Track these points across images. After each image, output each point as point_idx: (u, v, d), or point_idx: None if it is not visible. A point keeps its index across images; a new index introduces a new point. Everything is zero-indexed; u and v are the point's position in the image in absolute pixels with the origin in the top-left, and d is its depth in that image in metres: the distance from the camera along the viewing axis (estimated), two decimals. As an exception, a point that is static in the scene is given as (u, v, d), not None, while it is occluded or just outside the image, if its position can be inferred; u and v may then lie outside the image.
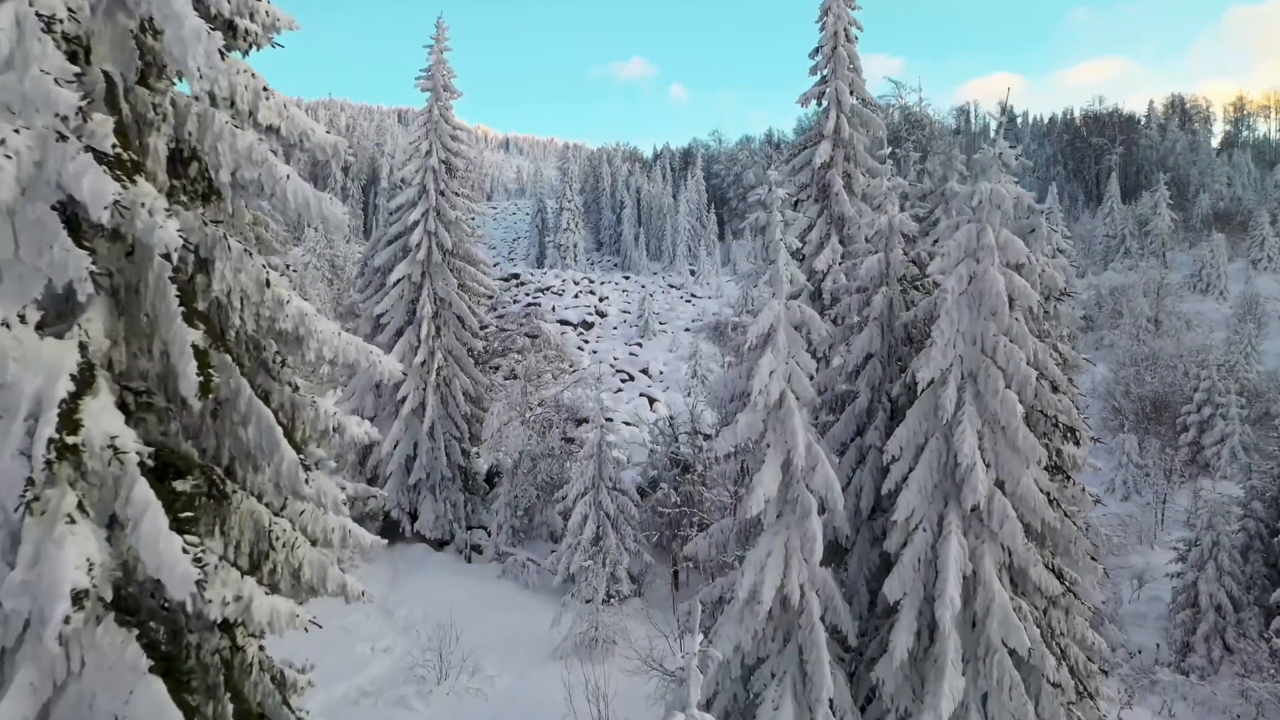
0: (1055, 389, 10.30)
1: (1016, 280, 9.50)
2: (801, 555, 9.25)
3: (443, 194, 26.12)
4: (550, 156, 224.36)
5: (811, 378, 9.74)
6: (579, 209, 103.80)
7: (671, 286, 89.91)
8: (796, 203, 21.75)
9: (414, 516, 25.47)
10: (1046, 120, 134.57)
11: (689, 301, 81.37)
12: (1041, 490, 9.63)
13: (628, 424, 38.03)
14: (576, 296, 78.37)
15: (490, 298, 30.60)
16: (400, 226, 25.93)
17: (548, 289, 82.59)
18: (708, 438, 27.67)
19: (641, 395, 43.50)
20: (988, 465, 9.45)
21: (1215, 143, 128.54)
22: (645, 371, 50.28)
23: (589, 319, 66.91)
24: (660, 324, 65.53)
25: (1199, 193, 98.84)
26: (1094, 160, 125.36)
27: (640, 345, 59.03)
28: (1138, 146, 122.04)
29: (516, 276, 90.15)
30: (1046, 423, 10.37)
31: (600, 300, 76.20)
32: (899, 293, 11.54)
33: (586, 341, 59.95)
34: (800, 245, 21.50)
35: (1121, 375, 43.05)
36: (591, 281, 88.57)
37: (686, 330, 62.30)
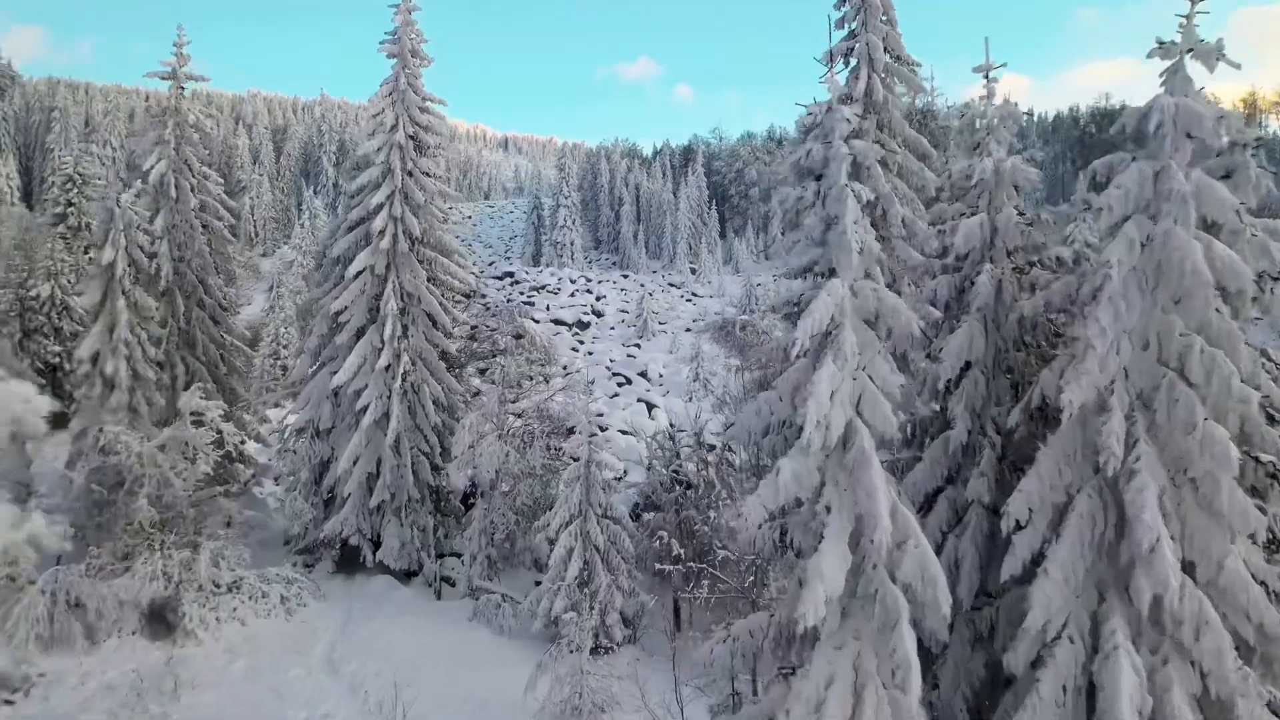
0: (1272, 420, 6.94)
1: (1218, 249, 6.21)
2: (879, 681, 5.94)
3: (410, 174, 22.79)
4: (550, 156, 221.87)
5: (894, 400, 6.45)
6: (576, 206, 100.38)
7: (671, 285, 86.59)
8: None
9: (376, 544, 22.13)
10: (1052, 118, 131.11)
11: (690, 301, 78.02)
12: (1256, 579, 6.35)
13: (624, 433, 34.72)
14: (573, 295, 75.07)
15: (470, 296, 27.35)
16: (362, 211, 22.58)
17: (543, 287, 79.30)
18: (711, 449, 24.37)
19: (640, 400, 40.16)
20: (1172, 538, 6.15)
21: (1225, 140, 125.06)
22: (644, 374, 46.93)
23: (585, 319, 63.58)
24: (660, 324, 62.17)
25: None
26: (1103, 157, 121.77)
27: (639, 346, 55.67)
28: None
29: (511, 275, 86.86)
30: (1259, 473, 7.00)
31: (597, 299, 72.87)
32: (1010, 272, 8.18)
33: (582, 342, 56.62)
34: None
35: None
36: (589, 280, 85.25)
37: (688, 330, 58.93)
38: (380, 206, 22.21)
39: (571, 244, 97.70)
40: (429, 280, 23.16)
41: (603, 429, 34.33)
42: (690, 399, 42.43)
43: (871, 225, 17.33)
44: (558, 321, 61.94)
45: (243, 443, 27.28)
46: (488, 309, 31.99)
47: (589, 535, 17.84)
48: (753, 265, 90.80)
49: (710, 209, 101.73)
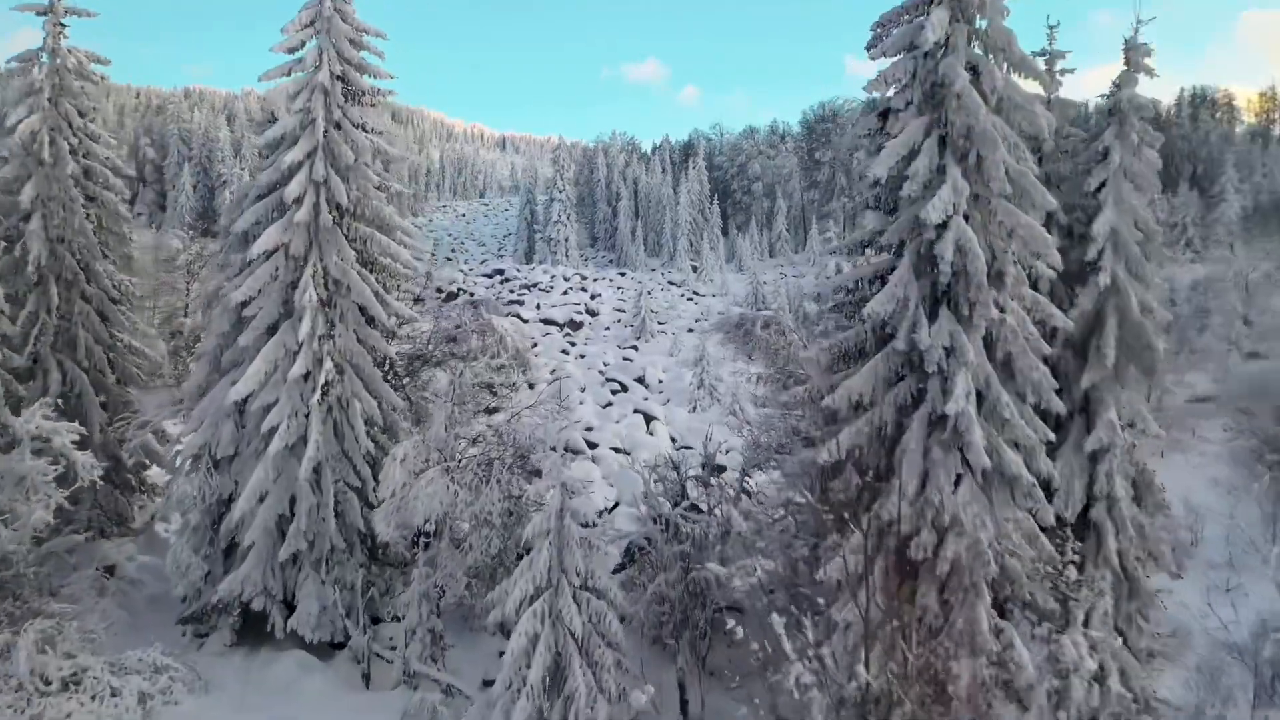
0: None
1: None
2: None
3: (338, 126, 17.66)
4: (548, 154, 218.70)
5: None
6: (571, 200, 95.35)
7: (671, 284, 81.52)
8: (885, 113, 13.25)
9: (290, 607, 16.98)
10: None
11: (691, 300, 72.98)
12: None
13: (617, 451, 29.55)
14: (565, 294, 70.07)
15: (455, 295, 22.37)
16: (274, 174, 17.43)
17: (534, 285, 74.38)
18: (722, 470, 19.24)
19: (636, 411, 34.97)
20: None
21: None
22: (641, 380, 41.76)
23: (577, 318, 58.42)
24: (659, 324, 57.05)
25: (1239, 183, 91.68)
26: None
27: (636, 349, 50.53)
28: (1169, 136, 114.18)
29: (500, 272, 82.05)
30: None
31: (592, 298, 67.84)
32: None
33: (573, 344, 51.48)
34: (888, 180, 13.03)
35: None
36: (583, 278, 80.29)
37: (690, 331, 53.78)
38: (297, 167, 17.07)
39: (566, 240, 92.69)
40: (363, 263, 18.03)
41: (592, 446, 29.20)
42: (694, 408, 37.31)
43: (964, 179, 12.16)
44: (548, 321, 56.88)
45: (145, 467, 22.22)
46: (473, 305, 26.76)
47: (561, 616, 12.64)
48: (758, 263, 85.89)
49: (712, 204, 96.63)
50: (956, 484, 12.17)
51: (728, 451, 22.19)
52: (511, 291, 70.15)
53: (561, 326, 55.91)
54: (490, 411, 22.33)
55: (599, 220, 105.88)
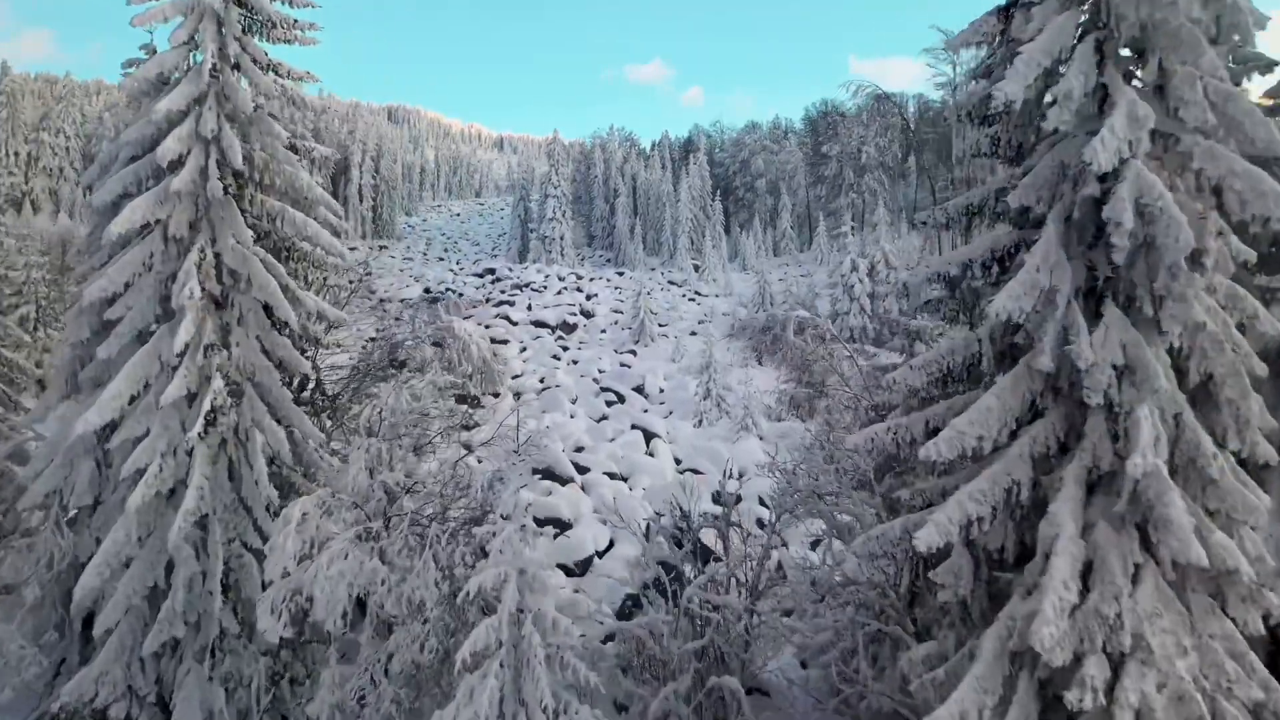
0: None
1: None
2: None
3: (236, 66, 13.28)
4: (545, 153, 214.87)
5: None
6: (566, 196, 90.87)
7: (672, 283, 76.98)
8: (1009, 9, 8.86)
9: (167, 711, 12.57)
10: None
11: (693, 300, 68.49)
12: None
13: (612, 477, 25.10)
14: (559, 294, 65.62)
15: (437, 299, 17.94)
16: (146, 126, 13.02)
17: (527, 285, 69.89)
18: (738, 499, 14.80)
19: (634, 427, 30.51)
20: None
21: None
22: (640, 389, 37.31)
23: (571, 320, 53.97)
24: (660, 326, 52.60)
25: None
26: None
27: (634, 354, 46.08)
28: None
29: (491, 271, 77.59)
30: None
31: (588, 298, 63.39)
32: None
33: (565, 348, 47.04)
34: (1022, 109, 8.65)
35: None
36: (579, 277, 75.86)
37: (693, 334, 49.33)
38: (178, 118, 12.70)
39: (561, 238, 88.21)
40: (271, 250, 13.64)
41: (582, 470, 24.78)
42: (700, 422, 32.89)
43: (1142, 102, 7.78)
44: (539, 323, 52.47)
45: (4, 512, 17.81)
46: (430, 303, 22.34)
47: (517, 777, 8.24)
48: (763, 261, 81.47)
49: (714, 201, 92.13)
50: (1134, 581, 7.78)
51: (742, 476, 17.71)
52: (502, 291, 65.81)
53: (553, 329, 51.49)
54: (468, 428, 18.01)
55: (596, 218, 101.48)
